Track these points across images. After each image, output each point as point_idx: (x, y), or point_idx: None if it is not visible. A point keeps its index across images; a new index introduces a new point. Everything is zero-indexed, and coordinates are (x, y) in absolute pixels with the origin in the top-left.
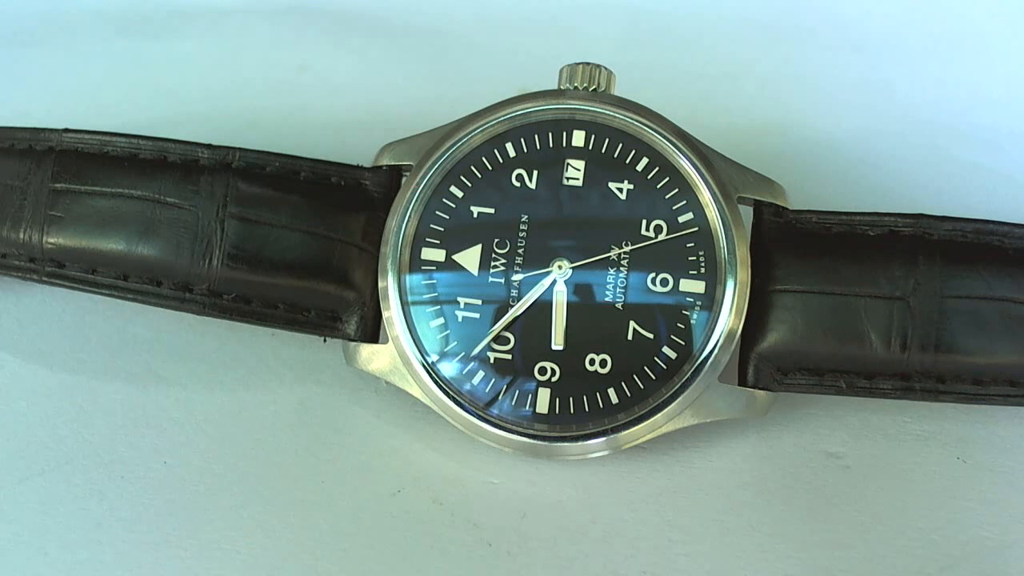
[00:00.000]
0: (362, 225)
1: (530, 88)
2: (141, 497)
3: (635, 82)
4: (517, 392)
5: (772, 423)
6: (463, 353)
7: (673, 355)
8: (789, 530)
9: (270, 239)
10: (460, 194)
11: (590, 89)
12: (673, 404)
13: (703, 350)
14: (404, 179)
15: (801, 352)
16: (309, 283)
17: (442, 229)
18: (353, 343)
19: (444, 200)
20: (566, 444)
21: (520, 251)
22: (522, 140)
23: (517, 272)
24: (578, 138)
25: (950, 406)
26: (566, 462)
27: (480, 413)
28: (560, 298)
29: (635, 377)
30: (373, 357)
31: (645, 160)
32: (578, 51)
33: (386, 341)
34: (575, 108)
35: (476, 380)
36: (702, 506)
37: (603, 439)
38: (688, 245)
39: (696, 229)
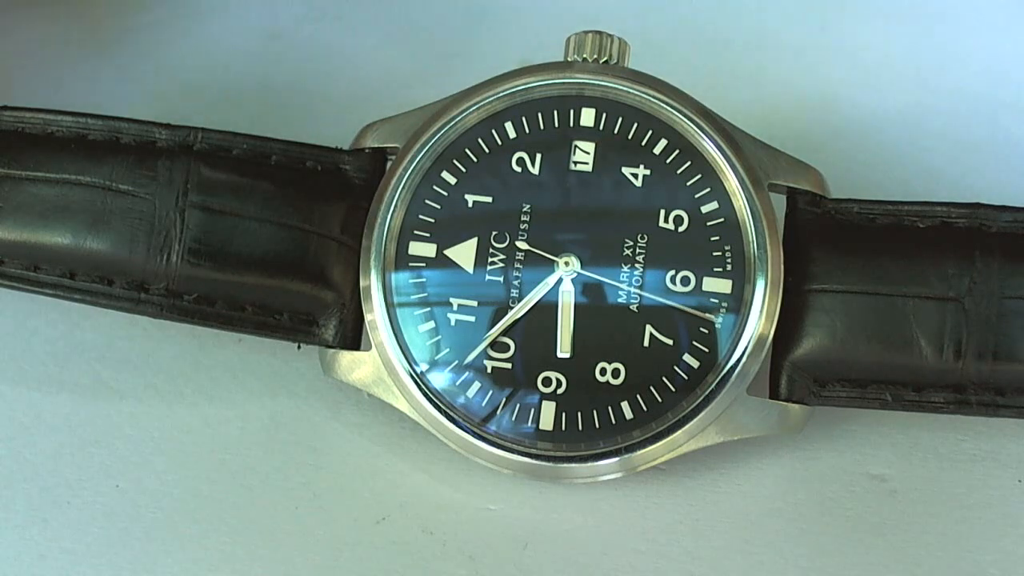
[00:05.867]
0: (341, 216)
1: (533, 60)
2: (90, 525)
3: (651, 53)
4: (518, 406)
5: (808, 441)
6: (456, 362)
7: (695, 364)
8: (827, 563)
9: (237, 232)
10: (453, 180)
11: (600, 61)
12: (695, 420)
13: (729, 358)
14: (389, 164)
15: (841, 360)
16: (281, 282)
17: (432, 221)
18: (331, 350)
19: (435, 187)
20: (573, 465)
21: (521, 245)
22: (524, 119)
23: (518, 269)
24: (587, 117)
25: (1011, 422)
26: (573, 486)
27: (476, 430)
28: (567, 299)
29: (652, 389)
30: (354, 366)
31: (663, 142)
32: (587, 18)
33: (369, 348)
34: (584, 83)
35: (471, 392)
36: (728, 536)
37: (615, 459)
38: (712, 239)
39: (721, 220)
